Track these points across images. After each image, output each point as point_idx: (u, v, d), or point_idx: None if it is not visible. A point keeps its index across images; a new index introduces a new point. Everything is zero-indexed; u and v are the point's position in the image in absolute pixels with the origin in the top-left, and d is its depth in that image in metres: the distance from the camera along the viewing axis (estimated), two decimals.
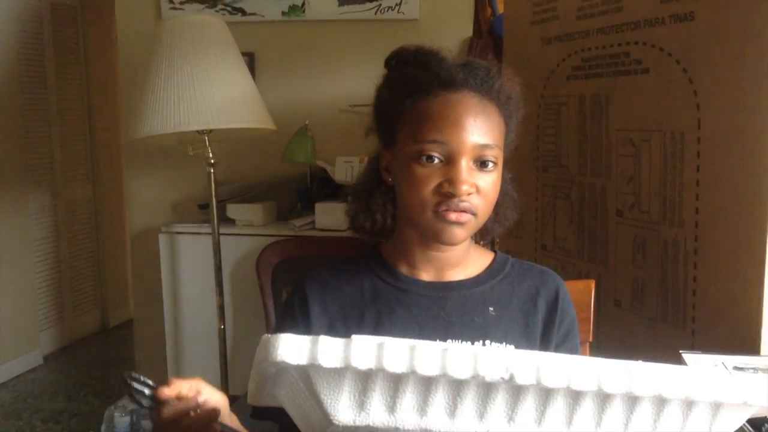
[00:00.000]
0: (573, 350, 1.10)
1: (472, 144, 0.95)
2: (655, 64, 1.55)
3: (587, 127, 1.76)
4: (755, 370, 1.24)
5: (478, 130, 0.95)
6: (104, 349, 4.41)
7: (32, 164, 4.04)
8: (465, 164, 0.95)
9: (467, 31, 2.88)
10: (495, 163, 0.98)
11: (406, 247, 1.07)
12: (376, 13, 2.99)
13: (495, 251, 1.14)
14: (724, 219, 1.42)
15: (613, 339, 1.70)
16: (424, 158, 0.95)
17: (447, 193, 0.94)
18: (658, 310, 1.59)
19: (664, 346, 1.58)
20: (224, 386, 2.63)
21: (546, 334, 1.07)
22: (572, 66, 1.78)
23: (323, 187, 2.98)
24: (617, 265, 1.70)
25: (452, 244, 1.00)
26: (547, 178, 1.91)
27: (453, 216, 0.95)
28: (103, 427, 2.89)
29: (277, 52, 3.13)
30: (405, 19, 2.97)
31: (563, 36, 1.81)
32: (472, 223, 0.98)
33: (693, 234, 1.48)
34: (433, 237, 1.00)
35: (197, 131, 2.50)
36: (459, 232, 0.98)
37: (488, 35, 2.77)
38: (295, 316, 1.07)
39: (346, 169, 2.88)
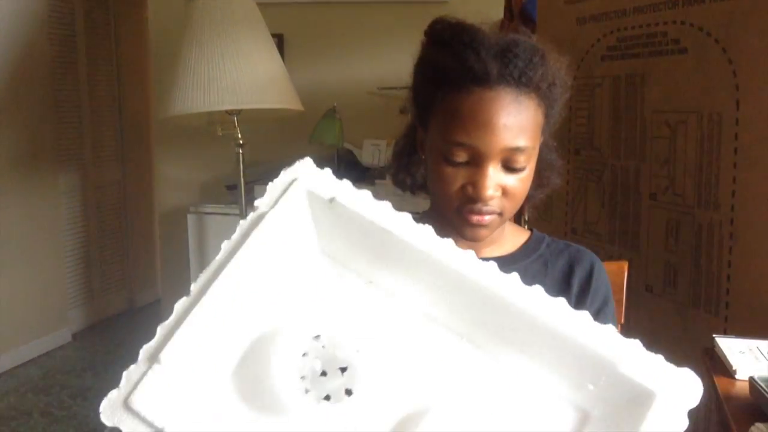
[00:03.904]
0: None
1: (501, 147, 0.89)
2: (694, 43, 1.52)
3: (621, 109, 1.73)
4: None
5: (510, 132, 0.89)
6: (131, 329, 4.46)
7: (62, 145, 4.07)
8: (491, 168, 0.90)
9: (498, 13, 2.85)
10: (526, 163, 0.93)
11: (440, 223, 1.06)
12: None
13: (531, 230, 1.12)
14: (762, 202, 1.39)
15: (644, 324, 1.68)
16: (450, 157, 0.91)
17: (470, 197, 0.92)
18: (690, 295, 1.57)
19: (695, 332, 1.56)
20: None
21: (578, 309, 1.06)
22: (607, 46, 1.75)
23: (350, 169, 2.98)
24: (649, 249, 1.68)
25: (475, 241, 0.99)
26: (579, 160, 1.88)
27: (475, 219, 0.94)
28: None
29: (306, 34, 3.12)
30: (434, 0, 2.95)
31: (599, 15, 1.78)
32: (497, 222, 0.96)
33: (729, 218, 1.46)
34: (457, 233, 0.99)
35: (226, 111, 2.51)
36: (482, 232, 0.96)
37: (519, 18, 2.74)
38: None
39: (373, 152, 2.88)
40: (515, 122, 0.89)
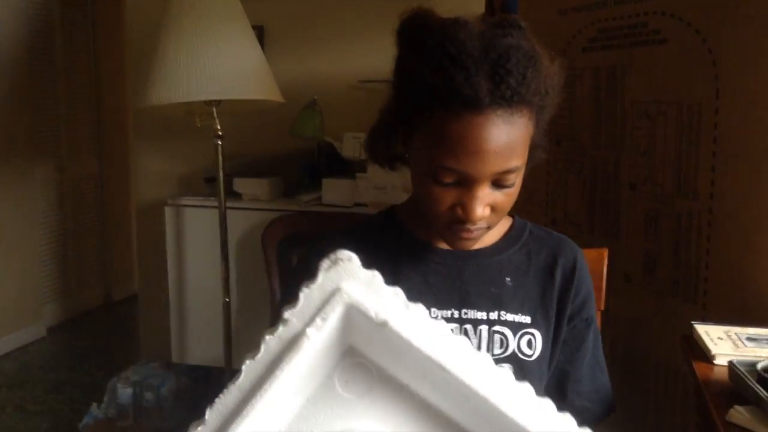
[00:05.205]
0: (588, 322, 1.08)
1: (492, 172, 0.86)
2: (674, 34, 1.53)
3: (602, 100, 1.74)
4: None
5: (501, 156, 0.85)
6: (108, 323, 4.42)
7: (38, 137, 4.02)
8: (481, 190, 0.88)
9: (479, 7, 2.85)
10: (515, 179, 0.91)
11: (422, 214, 1.04)
12: None
13: (513, 216, 1.11)
14: (740, 191, 1.40)
15: (623, 313, 1.69)
16: (438, 178, 0.88)
17: (459, 218, 0.90)
18: (669, 284, 1.58)
19: (674, 321, 1.57)
20: (228, 360, 2.62)
21: (561, 304, 1.05)
22: (588, 38, 1.76)
23: (331, 162, 2.96)
24: (628, 239, 1.69)
25: (462, 250, 0.99)
26: (560, 152, 1.89)
27: (464, 235, 0.93)
28: (105, 398, 2.89)
29: (286, 26, 3.10)
30: None
31: (580, 7, 1.79)
32: (484, 233, 0.96)
33: (707, 206, 1.47)
34: (443, 240, 0.99)
35: (205, 102, 2.49)
36: (469, 243, 0.96)
37: (500, 12, 2.75)
38: (312, 273, 1.04)
39: (354, 145, 2.86)
40: (506, 145, 0.85)
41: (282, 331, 0.61)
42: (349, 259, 0.64)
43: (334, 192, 2.78)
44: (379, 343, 0.64)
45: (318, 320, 0.61)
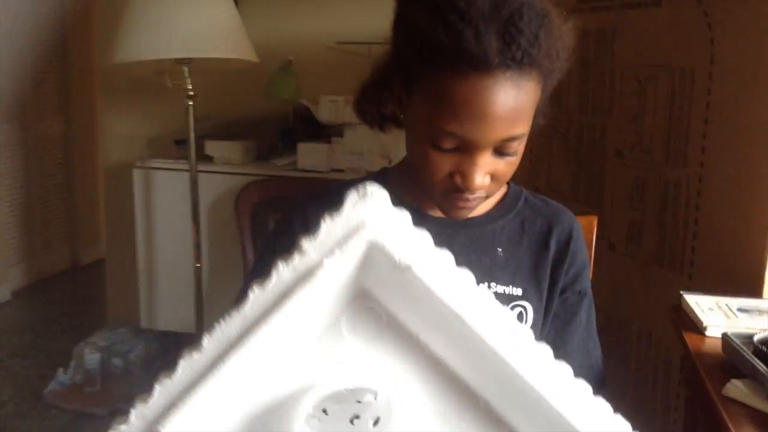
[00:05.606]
0: (581, 295, 1.04)
1: (496, 139, 0.81)
2: None
3: (590, 64, 1.69)
4: (760, 312, 1.20)
5: (506, 122, 0.80)
6: (74, 287, 4.32)
7: (1, 96, 3.88)
8: (482, 157, 0.83)
9: None
10: (519, 146, 0.85)
11: (413, 179, 0.99)
12: None
13: (508, 183, 1.06)
14: (732, 158, 1.37)
15: (605, 283, 1.66)
16: (438, 143, 0.83)
17: (458, 186, 0.85)
18: (654, 253, 1.55)
19: (658, 291, 1.54)
20: (199, 326, 2.57)
21: (554, 275, 1.02)
22: None
23: (306, 126, 2.89)
24: (614, 207, 1.65)
25: (457, 219, 0.94)
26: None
27: (461, 204, 0.88)
28: (72, 363, 2.83)
29: None
30: None
31: None
32: (482, 201, 0.91)
33: (697, 174, 1.43)
34: (438, 208, 0.94)
35: (176, 60, 2.39)
36: (465, 213, 0.92)
37: None
38: (294, 232, 0.99)
39: (330, 109, 2.79)
40: (513, 110, 0.79)
41: (297, 261, 0.57)
42: (379, 194, 0.59)
43: (310, 156, 2.71)
44: (398, 287, 0.60)
45: (337, 253, 0.57)
